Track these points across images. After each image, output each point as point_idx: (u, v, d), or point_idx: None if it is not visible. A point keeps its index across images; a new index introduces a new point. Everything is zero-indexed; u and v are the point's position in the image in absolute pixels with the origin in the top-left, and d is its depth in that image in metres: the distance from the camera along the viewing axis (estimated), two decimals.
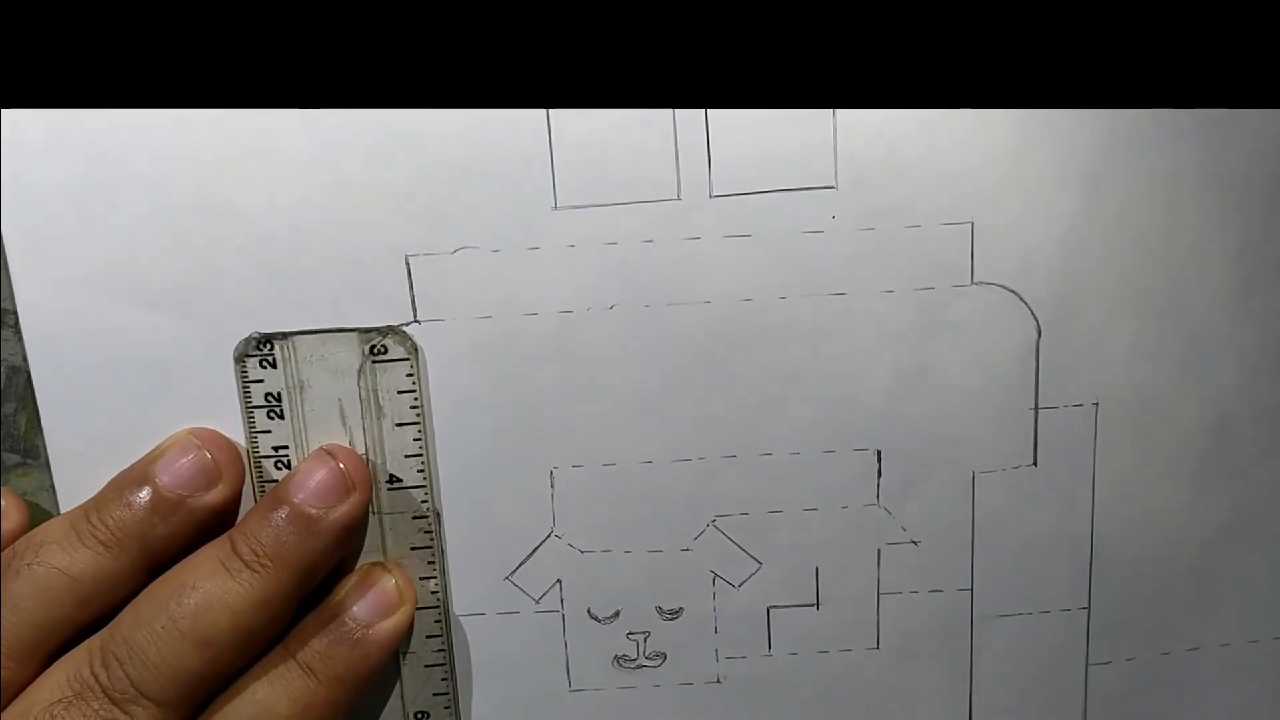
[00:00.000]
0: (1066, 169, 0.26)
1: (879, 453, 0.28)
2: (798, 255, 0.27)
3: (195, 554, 0.25)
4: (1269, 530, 0.29)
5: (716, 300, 0.27)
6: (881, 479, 0.28)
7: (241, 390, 0.26)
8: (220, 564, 0.24)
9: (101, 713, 0.23)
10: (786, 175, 0.26)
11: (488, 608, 0.28)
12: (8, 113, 0.25)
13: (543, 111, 0.26)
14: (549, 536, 0.28)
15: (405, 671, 0.28)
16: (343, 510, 0.25)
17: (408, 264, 0.26)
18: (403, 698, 0.28)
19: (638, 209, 0.26)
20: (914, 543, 0.28)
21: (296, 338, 0.26)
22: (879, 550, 0.28)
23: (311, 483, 0.25)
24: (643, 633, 0.29)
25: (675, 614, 0.29)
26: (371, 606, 0.26)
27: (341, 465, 0.26)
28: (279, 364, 0.26)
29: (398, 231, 0.26)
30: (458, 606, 0.28)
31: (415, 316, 0.26)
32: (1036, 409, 0.28)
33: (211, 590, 0.24)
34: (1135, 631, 0.29)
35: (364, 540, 0.27)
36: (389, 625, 0.26)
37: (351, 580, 0.27)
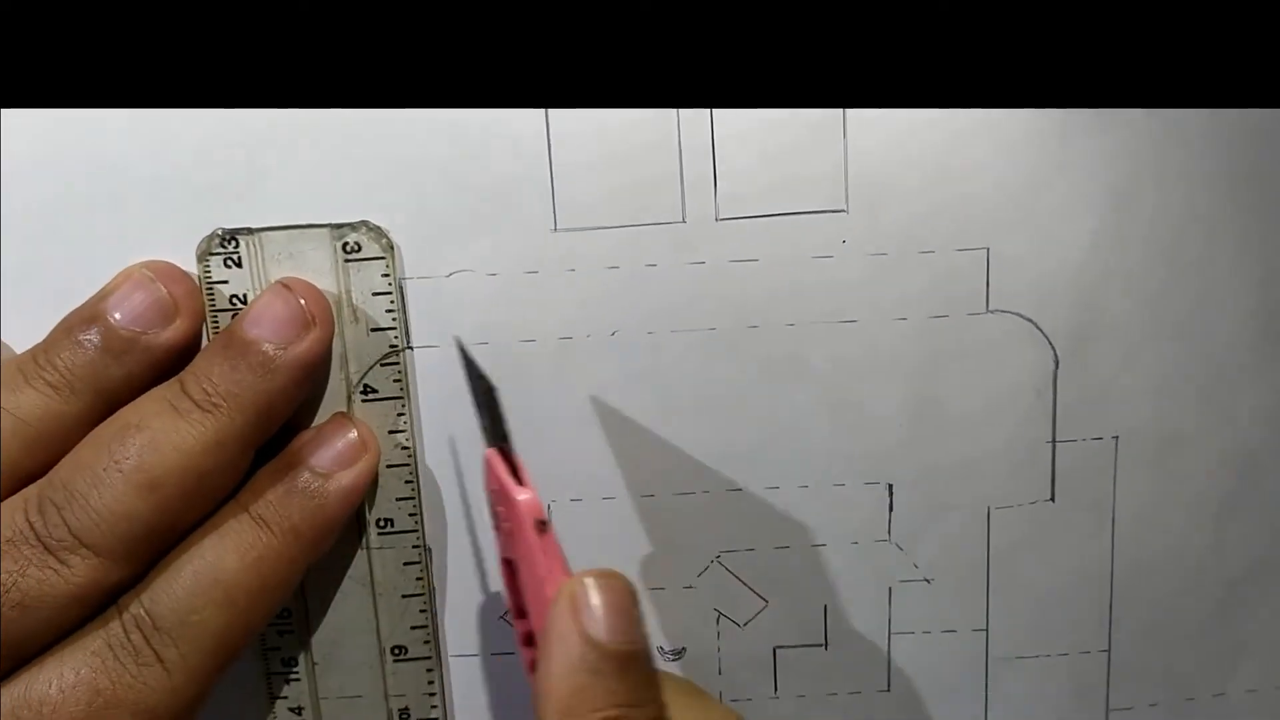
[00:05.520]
0: (1084, 195, 0.26)
1: (890, 487, 0.27)
2: (807, 281, 0.26)
3: (142, 396, 0.23)
4: None
5: (722, 327, 0.26)
6: (893, 514, 0.27)
7: (204, 292, 0.25)
8: (169, 404, 0.23)
9: (35, 560, 0.22)
10: (795, 198, 0.26)
11: (481, 649, 0.27)
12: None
13: (543, 131, 0.25)
14: None
15: (380, 604, 0.27)
16: (302, 347, 0.24)
17: (402, 287, 0.25)
18: (378, 633, 0.27)
19: (640, 232, 0.26)
20: (927, 581, 0.28)
21: (263, 234, 0.25)
22: (890, 588, 0.28)
23: (267, 318, 0.24)
24: None
25: (678, 654, 0.28)
26: (331, 456, 0.24)
27: (301, 300, 0.24)
28: (244, 262, 0.25)
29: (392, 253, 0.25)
30: (451, 647, 0.27)
31: (409, 342, 0.26)
32: (1054, 442, 0.27)
33: (159, 430, 0.22)
34: (1158, 675, 0.29)
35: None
36: (349, 476, 0.24)
37: (310, 432, 0.25)
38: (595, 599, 0.22)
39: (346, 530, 0.26)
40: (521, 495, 0.22)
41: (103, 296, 0.24)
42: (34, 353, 0.24)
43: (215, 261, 0.25)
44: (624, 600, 0.22)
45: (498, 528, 0.24)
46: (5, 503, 0.23)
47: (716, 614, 0.28)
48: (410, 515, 0.26)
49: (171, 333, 0.24)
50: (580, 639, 0.21)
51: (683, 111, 0.25)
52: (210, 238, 0.25)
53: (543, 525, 0.22)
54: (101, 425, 0.23)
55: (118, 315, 0.23)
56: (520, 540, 0.23)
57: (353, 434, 0.25)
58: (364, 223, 0.25)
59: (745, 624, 0.28)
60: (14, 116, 0.24)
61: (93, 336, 0.23)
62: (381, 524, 0.26)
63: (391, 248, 0.25)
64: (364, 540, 0.26)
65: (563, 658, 0.21)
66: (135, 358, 0.24)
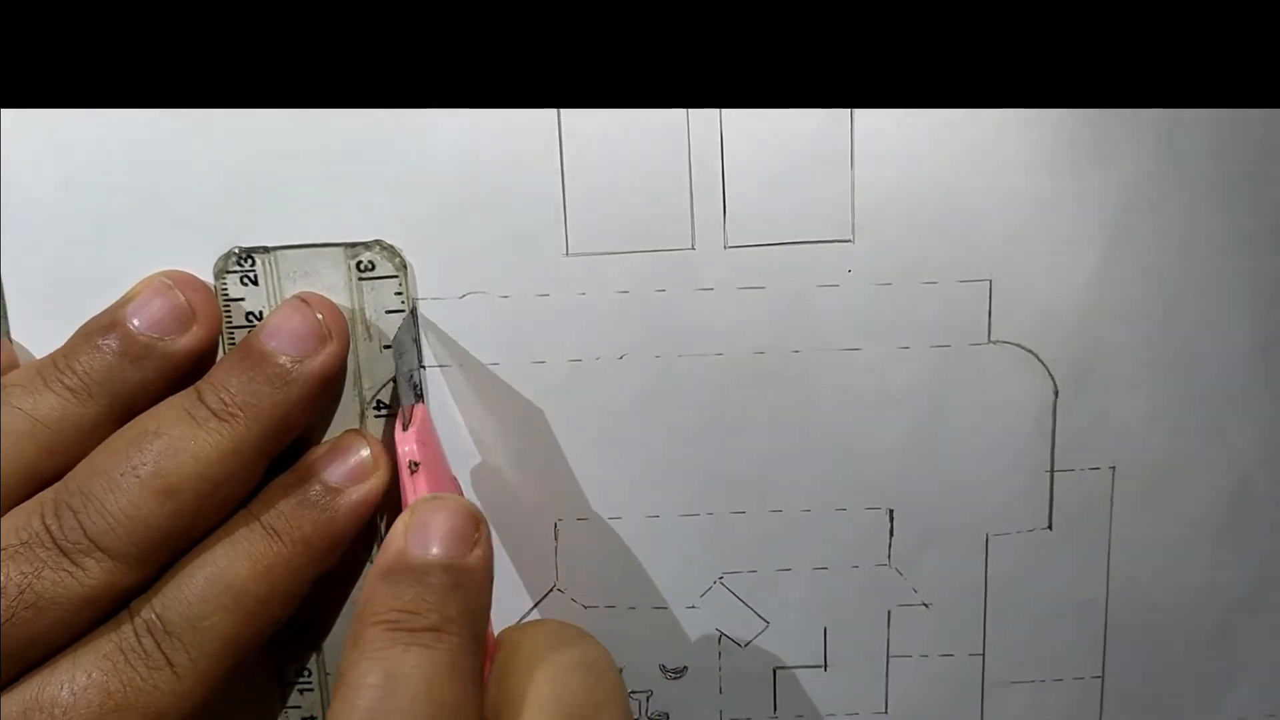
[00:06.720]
0: (1087, 228, 0.26)
1: (891, 512, 0.27)
2: (812, 309, 0.26)
3: (159, 404, 0.24)
4: None
5: (729, 352, 0.26)
6: (893, 539, 0.27)
7: (220, 309, 0.25)
8: (186, 412, 0.23)
9: (49, 562, 0.22)
10: (803, 227, 0.26)
11: None
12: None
13: (556, 157, 0.25)
14: (551, 591, 0.27)
15: None
16: (318, 361, 0.24)
17: (415, 308, 0.26)
18: None
19: (651, 258, 0.26)
20: (925, 605, 0.28)
21: (280, 252, 0.25)
22: (889, 612, 0.28)
23: (285, 330, 0.24)
24: (645, 692, 0.28)
25: (679, 673, 0.28)
26: (343, 472, 0.25)
27: (318, 314, 0.24)
28: (260, 280, 0.25)
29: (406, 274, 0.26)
30: None
31: (421, 362, 0.26)
32: (1052, 471, 0.27)
33: (176, 437, 0.23)
34: (1150, 702, 0.29)
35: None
36: (360, 491, 0.25)
37: (324, 446, 0.25)
38: (422, 516, 0.23)
39: (359, 542, 0.26)
40: (403, 444, 0.24)
41: (122, 303, 0.24)
42: (54, 357, 0.24)
43: (232, 279, 0.25)
44: (455, 519, 0.23)
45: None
46: (22, 506, 0.23)
47: (718, 634, 0.28)
48: None
49: (188, 339, 0.24)
50: (393, 550, 0.23)
51: (694, 140, 0.25)
52: (227, 255, 0.25)
53: (414, 466, 0.24)
54: (118, 431, 0.23)
55: (136, 321, 0.24)
56: (399, 480, 0.24)
57: (365, 451, 0.25)
58: (377, 242, 0.25)
59: (746, 644, 0.28)
60: (38, 128, 0.25)
61: (112, 342, 0.24)
62: None
63: (404, 267, 0.25)
64: (376, 552, 0.26)
65: (374, 566, 0.23)
66: (153, 363, 0.24)
